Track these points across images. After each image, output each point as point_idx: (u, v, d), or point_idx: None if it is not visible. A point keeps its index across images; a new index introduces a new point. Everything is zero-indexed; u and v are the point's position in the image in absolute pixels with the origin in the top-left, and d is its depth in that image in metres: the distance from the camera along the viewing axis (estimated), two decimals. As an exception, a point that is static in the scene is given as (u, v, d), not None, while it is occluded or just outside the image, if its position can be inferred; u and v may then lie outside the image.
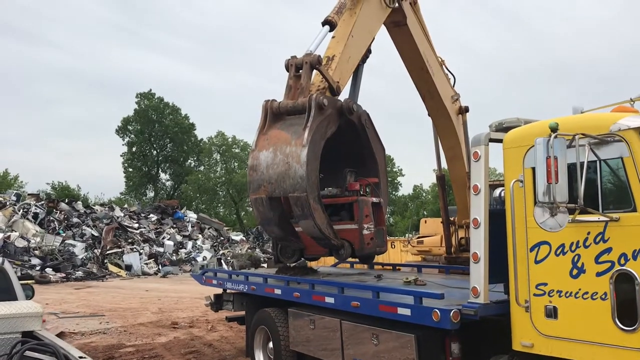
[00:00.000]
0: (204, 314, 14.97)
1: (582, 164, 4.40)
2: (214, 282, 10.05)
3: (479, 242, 5.23)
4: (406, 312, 5.70)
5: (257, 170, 6.98)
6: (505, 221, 5.20)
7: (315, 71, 7.42)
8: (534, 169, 4.83)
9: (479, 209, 5.28)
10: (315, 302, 7.18)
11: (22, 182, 64.04)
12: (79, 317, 15.01)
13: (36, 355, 3.84)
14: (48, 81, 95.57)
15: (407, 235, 36.49)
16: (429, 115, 10.72)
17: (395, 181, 76.27)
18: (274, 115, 7.27)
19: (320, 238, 7.08)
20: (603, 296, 4.44)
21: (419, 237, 18.53)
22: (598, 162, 4.55)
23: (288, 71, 7.51)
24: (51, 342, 4.22)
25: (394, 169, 75.84)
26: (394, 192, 76.77)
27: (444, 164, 11.32)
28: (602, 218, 4.46)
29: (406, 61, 9.70)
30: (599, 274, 4.49)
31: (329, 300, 6.91)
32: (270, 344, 8.36)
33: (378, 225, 7.48)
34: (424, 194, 73.66)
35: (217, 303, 10.39)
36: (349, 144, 7.79)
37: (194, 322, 14.11)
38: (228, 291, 9.90)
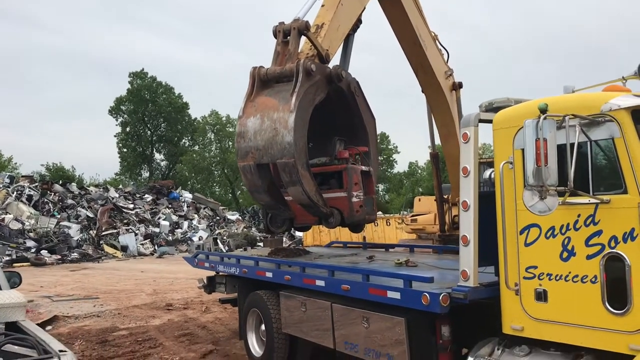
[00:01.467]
0: (198, 295, 14.94)
1: (572, 145, 4.30)
2: (206, 265, 10.00)
3: (468, 224, 5.16)
4: (396, 295, 5.65)
5: (245, 138, 6.90)
6: (495, 203, 5.13)
7: (304, 39, 7.34)
8: (523, 150, 4.73)
9: (468, 191, 5.20)
10: (306, 285, 7.13)
11: (15, 163, 63.75)
12: (73, 300, 14.99)
13: (15, 349, 3.76)
14: (39, 63, 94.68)
15: (402, 212, 36.55)
16: (422, 91, 10.57)
17: (391, 158, 76.28)
18: (261, 82, 7.17)
19: (309, 205, 7.01)
20: (593, 279, 4.38)
21: (412, 216, 18.50)
22: (589, 143, 4.46)
23: (276, 38, 7.41)
24: (33, 334, 4.14)
25: (389, 146, 75.78)
26: (389, 170, 76.81)
27: (438, 142, 11.23)
28: (593, 200, 4.39)
29: (398, 35, 9.52)
30: (589, 257, 4.43)
31: (320, 283, 6.86)
32: (263, 327, 8.34)
33: (368, 193, 7.44)
34: (420, 171, 73.66)
35: (210, 285, 10.36)
36: (338, 113, 7.75)
37: (188, 304, 14.11)
38: (221, 274, 9.85)
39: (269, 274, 7.98)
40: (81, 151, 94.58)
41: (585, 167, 4.47)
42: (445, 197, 11.88)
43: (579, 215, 4.49)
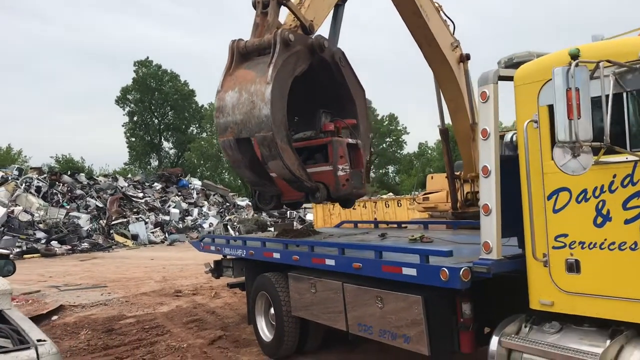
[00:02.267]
0: (208, 280, 14.63)
1: (607, 96, 3.83)
2: (212, 248, 9.64)
3: (489, 192, 4.71)
4: (412, 272, 5.23)
5: (223, 112, 6.70)
6: (518, 168, 4.68)
7: (288, 11, 7.07)
8: (550, 106, 4.27)
9: (488, 155, 4.74)
10: (315, 265, 6.73)
11: (25, 156, 63.89)
12: (81, 289, 14.73)
13: (-10, 339, 3.41)
14: (45, 56, 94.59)
15: (413, 193, 36.04)
16: (428, 65, 10.16)
17: (400, 139, 75.67)
18: (240, 55, 6.92)
19: (292, 180, 6.80)
20: (633, 246, 3.93)
21: (424, 194, 18.04)
22: (625, 94, 3.98)
23: (255, 9, 7.11)
24: (15, 323, 3.78)
25: (398, 127, 75.14)
26: (398, 151, 76.22)
27: (448, 118, 10.81)
28: (631, 157, 3.92)
29: (398, 6, 9.02)
30: (627, 222, 3.97)
31: (329, 262, 6.45)
32: (272, 310, 7.97)
33: (356, 167, 7.18)
34: (430, 151, 72.96)
35: (217, 270, 10.04)
36: (324, 85, 7.45)
37: (197, 290, 13.80)
38: (228, 257, 9.49)
39: (276, 255, 7.59)
40: (90, 142, 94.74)
41: (622, 121, 4.00)
42: (458, 174, 11.46)
43: (614, 176, 4.02)
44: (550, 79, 3.93)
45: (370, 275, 5.86)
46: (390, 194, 46.90)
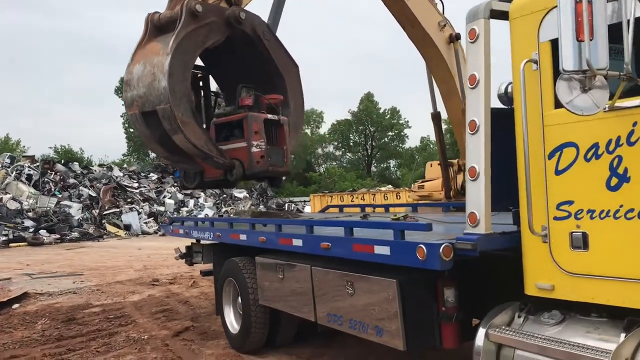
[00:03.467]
0: (190, 270, 13.66)
1: (627, 21, 2.96)
2: (181, 231, 8.80)
3: (477, 151, 3.84)
4: (385, 250, 4.37)
5: (130, 85, 6.53)
6: (512, 124, 3.82)
7: None
8: (554, 41, 3.39)
9: (476, 106, 3.87)
10: (283, 246, 5.89)
11: (24, 147, 63.29)
12: (54, 277, 13.92)
13: None
14: (47, 48, 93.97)
15: (411, 185, 35.16)
16: (415, 47, 9.51)
17: (402, 133, 74.73)
18: (155, 27, 6.71)
19: (201, 156, 6.58)
20: (657, 213, 3.07)
21: (420, 182, 17.21)
22: (649, 17, 3.10)
23: None
24: None
25: (401, 121, 74.17)
26: (400, 145, 75.27)
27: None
28: (657, 99, 3.05)
29: None
30: (650, 183, 3.10)
31: (297, 242, 5.60)
32: (240, 299, 7.12)
33: (279, 144, 6.89)
34: (432, 145, 71.94)
35: (188, 255, 9.19)
36: (249, 59, 7.14)
37: (176, 279, 12.98)
38: (197, 241, 8.65)
39: (242, 237, 6.75)
40: (92, 134, 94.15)
41: (645, 52, 3.12)
42: (456, 161, 10.88)
43: (634, 124, 3.14)
44: (555, 6, 3.07)
45: (340, 256, 5.00)
46: (390, 186, 46.05)
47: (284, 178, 8.17)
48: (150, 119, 6.41)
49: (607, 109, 3.16)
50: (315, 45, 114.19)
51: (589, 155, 3.33)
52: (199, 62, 7.09)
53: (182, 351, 7.24)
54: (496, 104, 4.12)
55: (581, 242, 3.37)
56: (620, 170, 3.19)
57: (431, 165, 18.72)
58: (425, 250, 3.94)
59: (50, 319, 9.25)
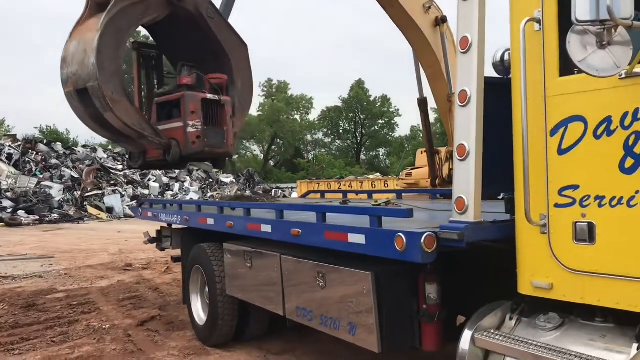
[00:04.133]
0: (166, 255, 13.11)
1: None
2: (149, 214, 8.23)
3: (467, 126, 3.30)
4: (359, 239, 3.83)
5: (66, 62, 6.35)
6: (508, 97, 3.29)
7: None
8: (561, -5, 2.85)
9: (468, 74, 3.32)
10: (251, 232, 5.33)
11: (8, 126, 62.12)
12: (23, 260, 13.32)
13: None
14: (37, 25, 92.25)
15: (400, 173, 34.73)
16: (398, 29, 9.12)
17: (392, 122, 74.23)
18: (95, 4, 6.46)
19: (134, 135, 6.36)
20: (681, 201, 2.55)
21: (409, 170, 16.72)
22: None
23: None
24: None
25: (391, 109, 73.63)
26: (390, 133, 74.76)
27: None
28: (686, 63, 2.52)
29: None
30: (673, 164, 2.59)
31: (266, 228, 5.05)
32: (207, 288, 6.58)
33: (218, 125, 6.70)
34: (421, 134, 71.54)
35: (158, 240, 8.63)
36: (196, 38, 6.95)
37: (150, 264, 12.41)
38: (166, 225, 8.07)
39: (210, 221, 6.19)
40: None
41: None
42: (446, 149, 10.52)
43: (657, 94, 2.62)
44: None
45: (311, 245, 4.46)
46: (378, 174, 45.61)
47: (227, 159, 7.92)
48: (84, 97, 6.22)
49: (623, 75, 2.63)
50: (307, 31, 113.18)
51: (599, 132, 2.81)
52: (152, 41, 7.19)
53: (144, 343, 6.70)
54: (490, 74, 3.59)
55: (586, 234, 2.86)
56: (638, 150, 2.67)
57: (422, 153, 18.21)
58: (404, 240, 3.40)
59: (9, 305, 8.67)
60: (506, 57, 3.54)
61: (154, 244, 8.72)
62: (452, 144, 9.85)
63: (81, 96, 6.20)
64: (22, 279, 10.83)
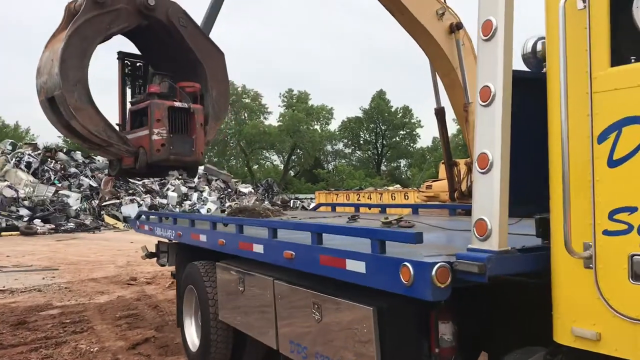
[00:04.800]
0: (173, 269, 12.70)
1: None
2: (146, 227, 7.70)
3: (491, 130, 2.65)
4: (359, 267, 3.18)
5: (39, 72, 6.49)
6: (542, 95, 2.64)
7: None
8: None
9: (492, 66, 2.68)
10: (242, 251, 4.72)
11: (33, 135, 62.88)
12: (26, 272, 12.88)
13: None
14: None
15: (420, 185, 33.88)
16: (411, 36, 8.79)
17: (414, 133, 73.31)
18: (71, 15, 6.49)
19: (100, 143, 6.38)
20: None
21: (429, 182, 15.99)
22: None
23: None
24: None
25: (412, 120, 72.75)
26: (412, 144, 73.82)
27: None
28: None
29: None
30: None
31: (257, 248, 4.44)
32: (200, 311, 5.98)
33: (189, 133, 6.65)
34: (444, 146, 70.48)
35: (157, 255, 8.12)
36: (172, 47, 6.97)
37: (155, 278, 11.88)
38: (162, 239, 7.52)
39: (202, 237, 5.60)
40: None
41: None
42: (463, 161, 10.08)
43: None
44: None
45: (305, 270, 3.83)
46: (398, 186, 44.80)
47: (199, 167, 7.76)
48: (53, 106, 6.33)
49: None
50: (328, 43, 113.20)
51: (665, 137, 2.13)
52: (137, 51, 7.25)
53: (133, 370, 6.12)
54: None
55: (648, 272, 2.18)
56: None
57: (444, 164, 17.53)
58: (411, 271, 2.75)
59: (3, 321, 8.17)
60: (539, 46, 2.89)
61: (154, 259, 8.24)
62: (471, 155, 9.37)
63: (52, 105, 6.29)
64: (20, 292, 10.36)
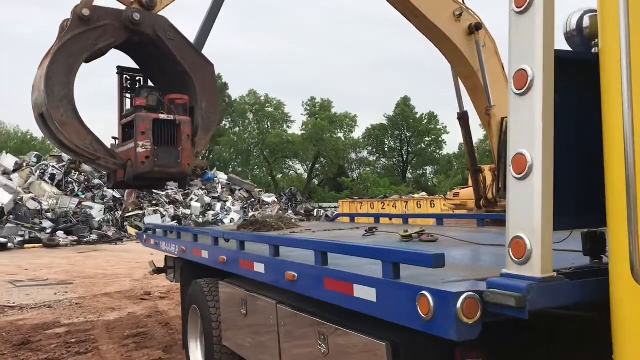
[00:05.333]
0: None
1: None
2: (152, 242, 7.27)
3: (529, 126, 2.09)
4: (369, 294, 2.64)
5: (33, 89, 6.51)
6: (594, 80, 2.08)
7: None
8: None
9: (528, 44, 2.12)
10: (243, 271, 4.21)
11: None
12: (40, 286, 12.58)
13: None
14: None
15: (447, 193, 33.05)
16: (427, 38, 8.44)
17: (440, 139, 72.33)
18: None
19: (88, 156, 6.44)
20: None
21: (457, 189, 15.35)
22: None
23: None
24: None
25: (438, 126, 71.80)
26: (437, 151, 72.78)
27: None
28: None
29: None
30: None
31: (259, 268, 3.92)
32: (203, 334, 5.49)
33: (175, 145, 6.59)
34: (471, 152, 69.29)
35: (163, 270, 7.70)
36: (162, 60, 6.97)
37: (170, 292, 11.48)
38: (168, 254, 7.07)
39: (204, 254, 5.12)
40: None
41: None
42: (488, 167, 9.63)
43: None
44: None
45: (308, 295, 3.30)
46: (424, 193, 43.95)
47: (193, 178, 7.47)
48: (45, 121, 6.35)
49: None
50: (348, 52, 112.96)
51: None
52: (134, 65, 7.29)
53: (134, 397, 5.65)
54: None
55: None
56: None
57: (475, 171, 16.86)
58: (431, 303, 2.20)
59: (1, 342, 7.80)
60: (586, 21, 2.33)
61: (164, 275, 7.83)
62: (495, 161, 8.90)
63: (44, 120, 6.32)
64: (30, 309, 10.02)
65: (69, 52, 6.21)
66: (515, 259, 2.13)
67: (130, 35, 6.56)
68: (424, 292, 2.26)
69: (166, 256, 7.33)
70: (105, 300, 10.79)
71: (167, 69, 7.05)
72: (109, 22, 6.47)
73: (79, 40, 6.26)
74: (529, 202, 2.10)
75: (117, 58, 7.08)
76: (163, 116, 6.67)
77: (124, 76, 7.29)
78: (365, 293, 2.67)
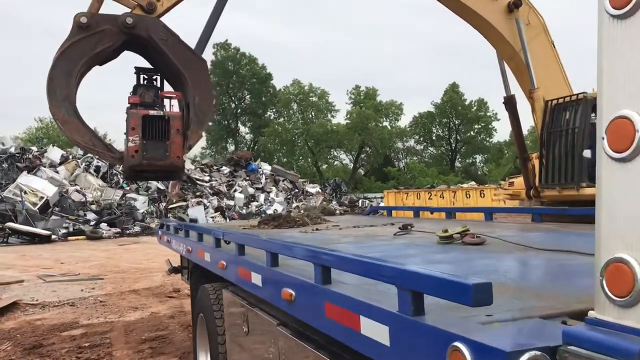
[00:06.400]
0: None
1: None
2: (165, 239, 6.63)
3: (630, 68, 1.20)
4: (379, 334, 1.80)
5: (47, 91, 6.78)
6: None
7: None
8: None
9: None
10: (242, 280, 3.43)
11: (110, 140, 64.94)
12: (69, 282, 12.21)
13: None
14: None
15: (500, 182, 31.50)
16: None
17: (490, 127, 70.02)
18: None
19: (90, 151, 7.05)
20: None
21: (511, 178, 14.25)
22: None
23: None
24: None
25: (488, 113, 69.47)
26: (487, 139, 70.50)
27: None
28: None
29: None
30: None
31: (255, 279, 3.13)
32: (210, 346, 4.75)
33: (167, 139, 6.77)
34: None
35: (178, 270, 7.14)
36: (160, 60, 7.18)
37: (199, 290, 10.86)
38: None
39: (207, 256, 4.37)
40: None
41: None
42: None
43: None
44: None
45: (308, 322, 2.48)
46: (473, 183, 42.41)
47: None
48: None
49: None
50: (393, 40, 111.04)
51: None
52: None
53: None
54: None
55: None
56: None
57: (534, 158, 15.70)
58: (468, 364, 1.34)
59: (13, 345, 7.33)
60: None
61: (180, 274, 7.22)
62: (540, 147, 8.14)
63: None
64: (52, 307, 9.58)
65: (69, 57, 6.62)
66: (614, 296, 1.25)
67: (127, 38, 6.86)
68: (457, 344, 1.40)
69: (181, 255, 6.67)
70: (131, 298, 10.27)
71: (165, 67, 7.32)
72: (107, 27, 6.83)
73: (78, 46, 6.65)
74: (631, 194, 1.21)
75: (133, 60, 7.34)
76: (152, 112, 6.92)
77: (141, 76, 7.53)
78: (374, 331, 1.83)
